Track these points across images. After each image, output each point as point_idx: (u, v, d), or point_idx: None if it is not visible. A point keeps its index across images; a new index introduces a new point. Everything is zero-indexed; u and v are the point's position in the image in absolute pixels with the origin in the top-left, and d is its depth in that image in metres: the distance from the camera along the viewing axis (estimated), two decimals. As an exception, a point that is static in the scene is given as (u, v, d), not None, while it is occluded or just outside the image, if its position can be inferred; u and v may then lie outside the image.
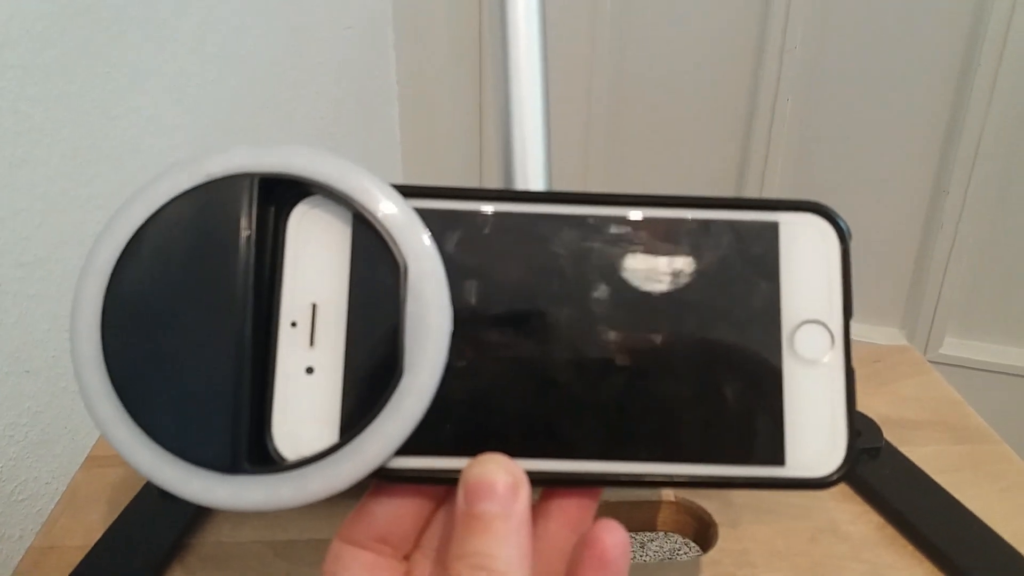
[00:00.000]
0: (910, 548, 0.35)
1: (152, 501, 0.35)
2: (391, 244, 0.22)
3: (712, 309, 0.23)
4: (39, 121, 0.55)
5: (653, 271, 0.23)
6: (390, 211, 0.22)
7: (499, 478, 0.21)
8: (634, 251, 0.23)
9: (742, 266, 0.23)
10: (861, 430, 0.40)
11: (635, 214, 0.23)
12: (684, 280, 0.23)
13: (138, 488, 0.36)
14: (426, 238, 0.22)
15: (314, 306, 0.22)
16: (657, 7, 1.01)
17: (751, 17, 0.97)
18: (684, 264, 0.23)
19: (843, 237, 0.24)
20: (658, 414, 0.23)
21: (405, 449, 0.21)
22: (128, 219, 0.23)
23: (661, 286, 0.23)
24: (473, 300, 0.23)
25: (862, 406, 0.43)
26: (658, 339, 0.23)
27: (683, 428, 0.23)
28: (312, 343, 0.22)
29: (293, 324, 0.22)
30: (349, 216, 0.22)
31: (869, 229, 1.02)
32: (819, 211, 0.24)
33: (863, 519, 0.37)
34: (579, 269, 0.23)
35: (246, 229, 0.21)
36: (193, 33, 0.70)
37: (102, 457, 0.39)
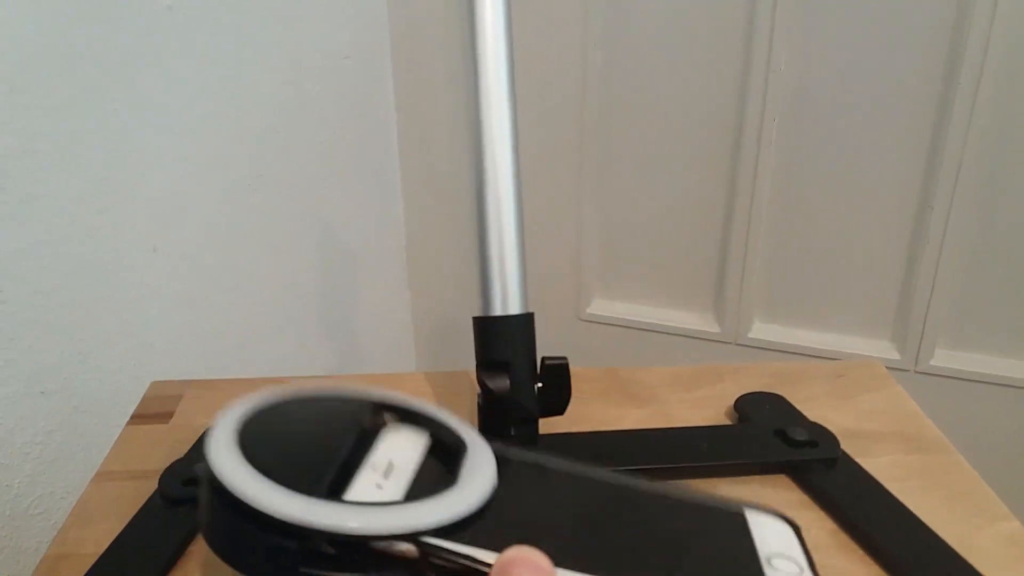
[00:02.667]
0: (860, 552, 0.38)
1: (156, 512, 0.38)
2: (458, 433, 0.32)
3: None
4: (53, 158, 0.59)
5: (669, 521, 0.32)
6: (457, 424, 0.32)
7: (534, 555, 0.25)
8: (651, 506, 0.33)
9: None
10: (819, 441, 0.43)
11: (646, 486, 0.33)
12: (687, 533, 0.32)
13: (143, 500, 0.39)
14: (484, 441, 0.32)
15: (391, 462, 0.30)
16: (645, 31, 1.04)
17: (736, 40, 1.00)
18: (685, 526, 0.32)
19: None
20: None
21: (447, 533, 0.27)
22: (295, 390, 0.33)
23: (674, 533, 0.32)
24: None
25: (824, 419, 0.46)
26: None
27: None
28: (386, 477, 0.29)
29: (373, 467, 0.29)
30: (425, 437, 0.32)
31: (857, 244, 1.05)
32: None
33: (817, 525, 0.39)
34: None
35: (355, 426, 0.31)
36: (196, 69, 0.74)
37: (111, 472, 0.42)
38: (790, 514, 0.40)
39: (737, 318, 1.13)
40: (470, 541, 0.27)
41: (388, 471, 0.29)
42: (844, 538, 0.38)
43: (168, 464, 0.40)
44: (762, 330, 1.13)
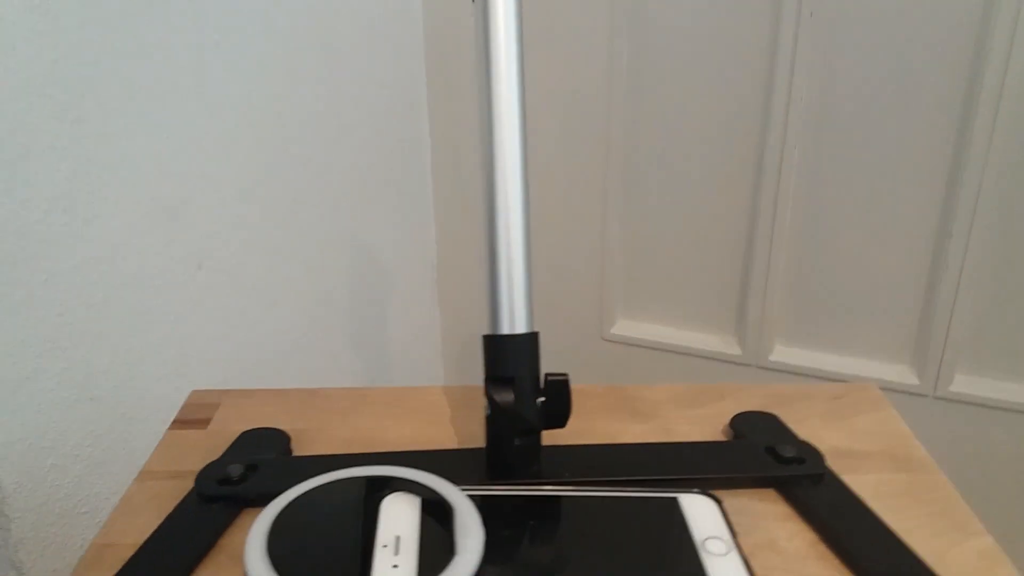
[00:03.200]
0: (837, 562, 0.40)
1: (192, 508, 0.42)
2: (446, 497, 0.39)
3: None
4: (110, 182, 0.64)
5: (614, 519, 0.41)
6: (442, 486, 0.40)
7: None
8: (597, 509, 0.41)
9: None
10: (806, 458, 0.46)
11: (592, 491, 0.42)
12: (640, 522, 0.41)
13: (181, 498, 0.43)
14: (463, 496, 0.40)
15: (398, 537, 0.37)
16: (670, 52, 1.07)
17: (759, 66, 1.03)
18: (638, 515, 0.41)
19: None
20: None
21: None
22: (304, 487, 0.41)
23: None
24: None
25: (816, 437, 0.49)
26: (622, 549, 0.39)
27: None
28: (396, 553, 0.36)
29: (384, 546, 0.37)
30: (418, 500, 0.40)
31: (877, 270, 1.06)
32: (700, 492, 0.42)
33: (799, 536, 0.42)
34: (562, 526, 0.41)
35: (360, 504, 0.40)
36: (242, 98, 0.79)
37: (152, 472, 0.47)
38: (775, 525, 0.43)
39: (758, 341, 1.15)
40: None
41: (397, 546, 0.37)
42: (824, 549, 0.41)
43: (204, 465, 0.44)
44: (783, 353, 1.15)
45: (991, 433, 1.06)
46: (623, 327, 1.25)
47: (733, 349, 1.18)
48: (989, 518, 0.43)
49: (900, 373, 1.09)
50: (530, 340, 0.44)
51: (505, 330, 0.44)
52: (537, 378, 0.44)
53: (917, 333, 1.08)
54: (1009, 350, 1.04)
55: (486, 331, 0.44)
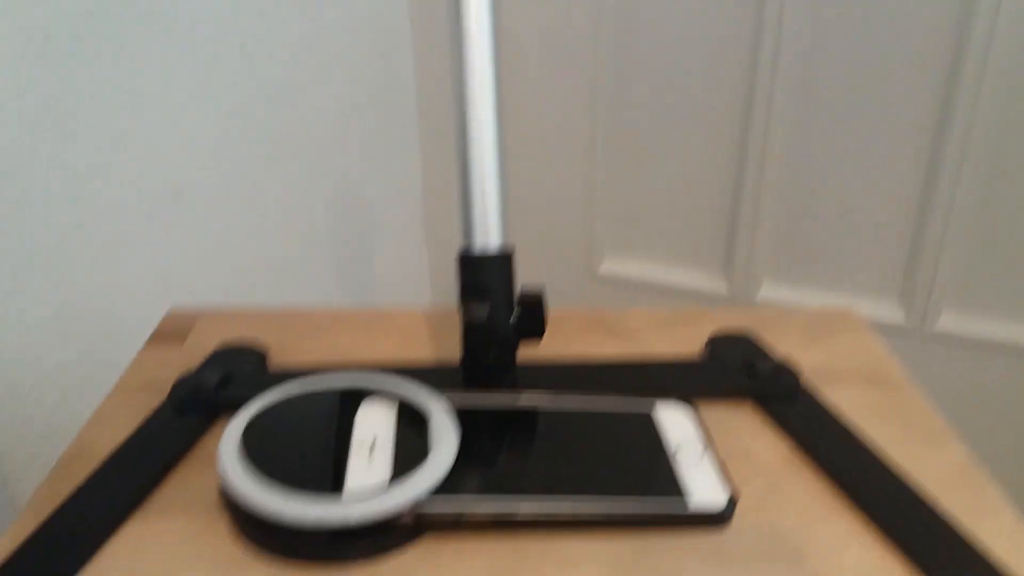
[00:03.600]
0: (811, 472, 0.40)
1: (165, 419, 0.42)
2: (421, 403, 0.40)
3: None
4: (82, 108, 0.63)
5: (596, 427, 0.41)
6: (417, 392, 0.41)
7: None
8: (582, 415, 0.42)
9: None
10: (781, 375, 0.46)
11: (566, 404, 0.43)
12: (613, 430, 0.41)
13: (155, 406, 0.43)
14: (438, 402, 0.40)
15: (374, 438, 0.38)
16: (654, 35, 1.05)
17: (748, 7, 1.01)
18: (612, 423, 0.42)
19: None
20: (610, 489, 0.37)
21: (435, 494, 0.35)
22: (280, 391, 0.41)
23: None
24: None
25: (793, 357, 0.48)
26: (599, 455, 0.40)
27: (624, 493, 0.37)
28: (372, 453, 0.37)
29: (360, 447, 0.37)
30: (395, 403, 0.40)
31: (865, 208, 1.06)
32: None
33: (774, 448, 0.42)
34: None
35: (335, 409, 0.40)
36: (218, 26, 0.77)
37: (128, 385, 0.47)
38: (750, 436, 0.43)
39: (746, 279, 1.15)
40: (451, 497, 0.35)
41: (372, 447, 0.37)
42: (798, 459, 0.41)
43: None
44: (771, 290, 1.15)
45: (977, 371, 1.07)
46: (611, 266, 1.25)
47: (720, 287, 1.18)
48: (974, 455, 0.43)
49: (888, 310, 1.09)
50: (503, 256, 0.43)
51: (479, 245, 0.43)
52: (512, 294, 0.44)
53: (905, 271, 1.07)
54: (996, 288, 1.04)
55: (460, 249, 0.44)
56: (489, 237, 0.43)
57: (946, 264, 1.03)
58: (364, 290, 1.15)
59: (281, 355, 0.49)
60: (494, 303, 0.43)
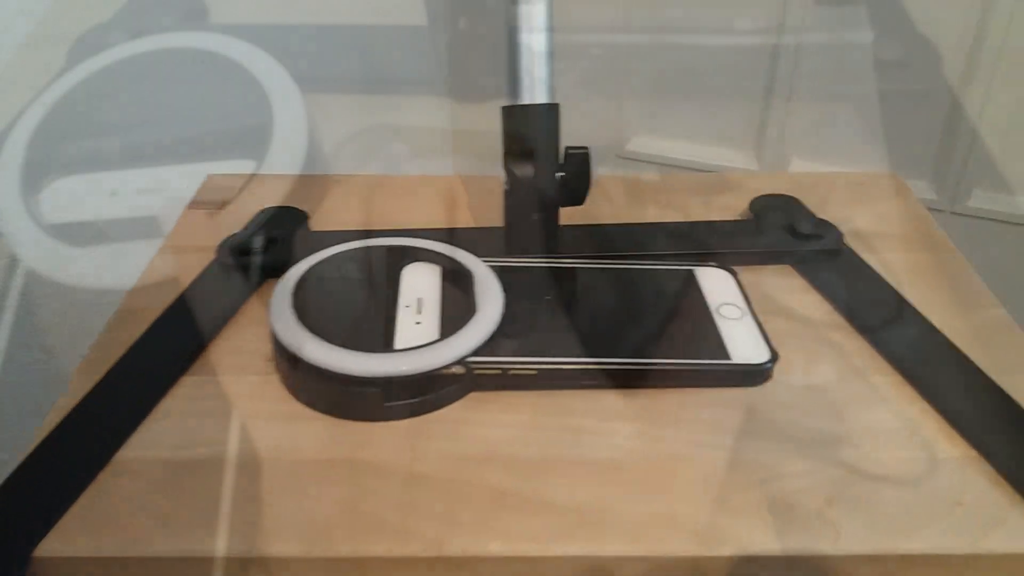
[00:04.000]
0: (851, 331, 0.41)
1: (215, 276, 0.43)
2: (465, 264, 0.40)
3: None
4: None
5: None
6: (462, 255, 0.41)
7: None
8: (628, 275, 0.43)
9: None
10: (824, 235, 0.46)
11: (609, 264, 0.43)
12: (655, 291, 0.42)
13: (203, 269, 0.43)
14: (483, 264, 0.41)
15: (420, 299, 0.39)
16: None
17: None
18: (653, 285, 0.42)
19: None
20: (652, 346, 0.38)
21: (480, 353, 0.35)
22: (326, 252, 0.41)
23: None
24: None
25: (836, 219, 0.48)
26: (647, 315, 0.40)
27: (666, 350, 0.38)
28: (420, 312, 0.38)
29: (407, 306, 0.38)
30: (439, 264, 0.41)
31: (900, 82, 1.03)
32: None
33: (815, 308, 0.42)
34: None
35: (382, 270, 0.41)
36: None
37: (175, 246, 0.47)
38: (790, 297, 0.43)
39: (777, 156, 1.13)
40: (498, 351, 0.36)
41: (420, 307, 0.38)
42: (838, 319, 0.41)
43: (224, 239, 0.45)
44: (799, 166, 1.13)
45: (1008, 249, 1.06)
46: (638, 144, 1.23)
47: (752, 164, 1.16)
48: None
49: (917, 188, 1.08)
50: (550, 110, 0.43)
51: (526, 99, 0.42)
52: (556, 151, 0.43)
53: (938, 147, 1.05)
54: (1030, 165, 1.02)
55: (505, 103, 0.43)
56: (536, 92, 0.42)
57: (981, 140, 1.01)
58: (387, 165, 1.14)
59: (322, 218, 0.49)
60: (539, 161, 0.42)
